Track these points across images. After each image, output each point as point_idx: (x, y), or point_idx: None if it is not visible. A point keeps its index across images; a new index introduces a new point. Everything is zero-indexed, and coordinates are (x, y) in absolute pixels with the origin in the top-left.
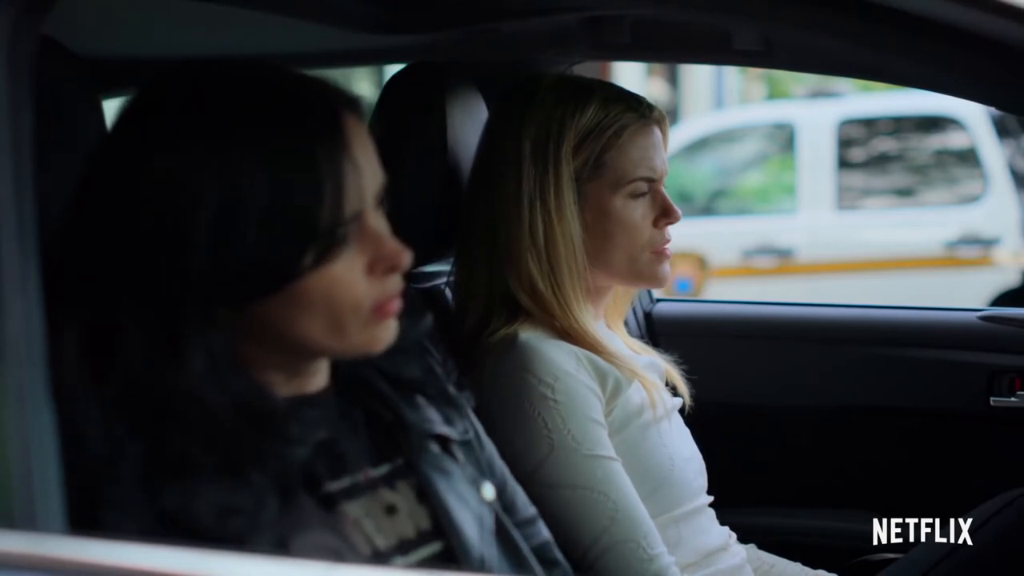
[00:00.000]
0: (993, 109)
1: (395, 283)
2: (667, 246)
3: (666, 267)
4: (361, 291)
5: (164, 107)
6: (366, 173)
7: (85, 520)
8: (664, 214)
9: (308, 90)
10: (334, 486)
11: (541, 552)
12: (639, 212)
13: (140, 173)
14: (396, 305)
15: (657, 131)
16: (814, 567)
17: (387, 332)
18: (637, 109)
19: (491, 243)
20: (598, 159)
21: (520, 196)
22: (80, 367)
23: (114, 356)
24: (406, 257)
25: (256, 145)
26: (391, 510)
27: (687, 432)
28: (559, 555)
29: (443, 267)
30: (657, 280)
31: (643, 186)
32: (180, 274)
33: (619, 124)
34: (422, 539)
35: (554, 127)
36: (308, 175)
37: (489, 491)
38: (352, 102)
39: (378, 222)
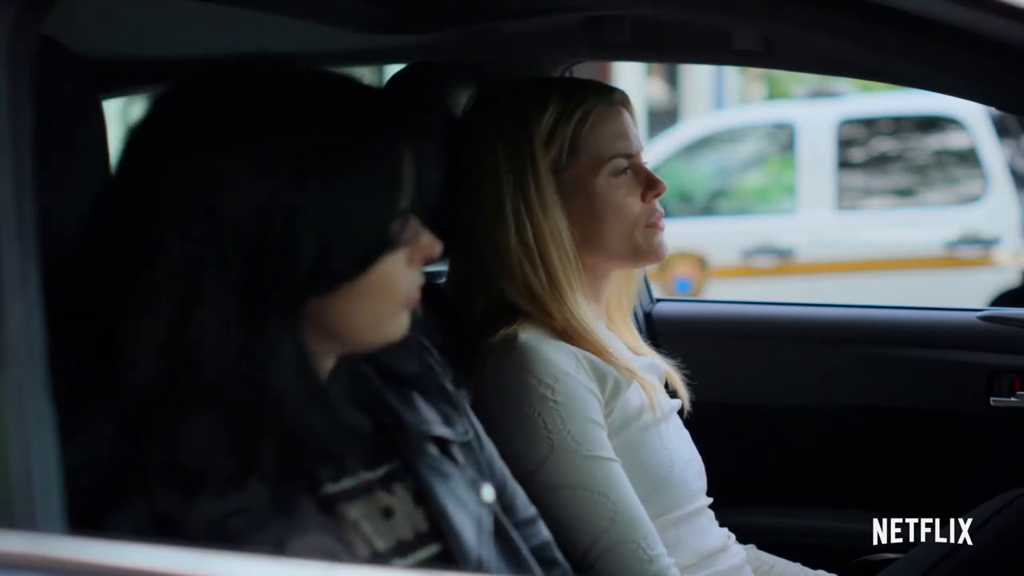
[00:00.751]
0: (993, 109)
1: (421, 274)
2: (660, 218)
3: (662, 238)
4: (408, 282)
5: (230, 106)
6: (411, 170)
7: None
8: (650, 186)
9: (373, 92)
10: (333, 488)
11: (540, 552)
12: (624, 188)
13: (214, 172)
14: (417, 296)
15: (624, 112)
16: (814, 567)
17: (407, 321)
18: (599, 93)
19: (483, 247)
20: (572, 145)
21: (503, 200)
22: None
23: (192, 350)
24: (438, 248)
25: (326, 150)
26: (388, 513)
27: (686, 434)
28: (559, 555)
29: (443, 267)
30: (655, 253)
31: (623, 163)
32: (257, 271)
33: (584, 109)
34: (419, 541)
35: (521, 126)
36: (380, 177)
37: (488, 493)
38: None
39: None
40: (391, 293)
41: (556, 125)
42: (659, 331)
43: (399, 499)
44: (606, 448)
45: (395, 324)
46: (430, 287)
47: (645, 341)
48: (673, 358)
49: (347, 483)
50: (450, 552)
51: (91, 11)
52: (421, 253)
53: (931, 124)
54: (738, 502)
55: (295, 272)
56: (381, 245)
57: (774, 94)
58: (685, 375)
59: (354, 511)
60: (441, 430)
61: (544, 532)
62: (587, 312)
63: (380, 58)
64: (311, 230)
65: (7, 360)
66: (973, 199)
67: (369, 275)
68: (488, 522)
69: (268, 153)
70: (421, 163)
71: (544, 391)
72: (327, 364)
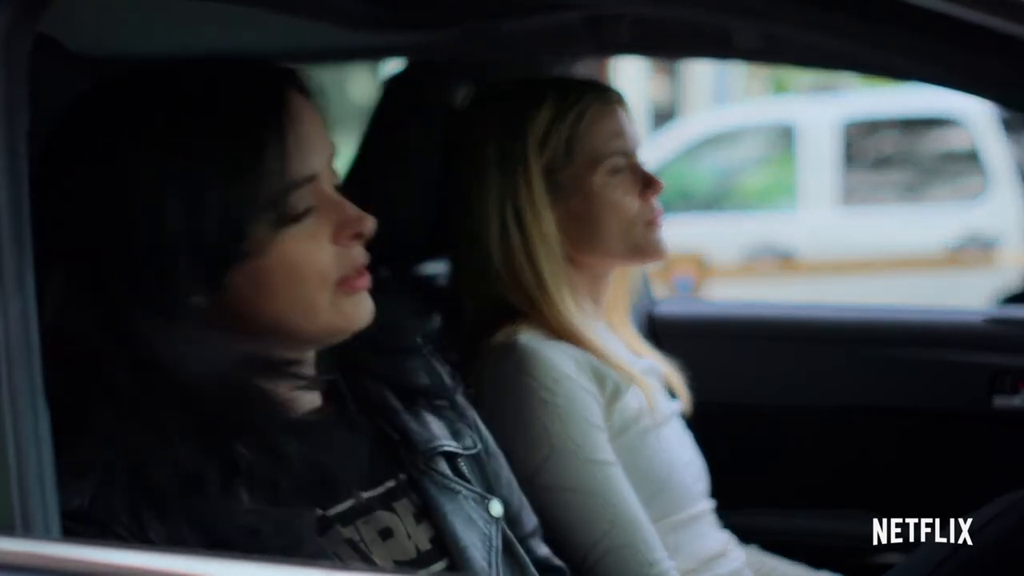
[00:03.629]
0: (999, 108)
1: (360, 253)
2: (658, 216)
3: (661, 236)
4: (327, 260)
5: (114, 111)
6: (313, 142)
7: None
8: (647, 185)
9: (245, 71)
10: (326, 512)
11: (539, 564)
12: (622, 187)
13: (91, 174)
14: (365, 280)
15: (620, 111)
16: (816, 568)
17: (361, 308)
18: (595, 92)
19: (476, 248)
20: (568, 145)
21: (492, 202)
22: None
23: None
24: (369, 223)
25: (198, 128)
26: (387, 533)
27: (687, 437)
28: (558, 562)
29: (443, 267)
30: (655, 251)
31: (620, 161)
32: (144, 261)
33: (579, 108)
34: (422, 560)
35: (515, 128)
36: (248, 145)
37: (496, 508)
38: (294, 78)
39: (334, 191)
40: (305, 272)
41: (552, 125)
42: (660, 332)
43: (400, 517)
44: (606, 451)
45: (338, 310)
46: (429, 295)
47: (646, 342)
48: (674, 359)
49: (340, 506)
50: (456, 570)
51: (89, 10)
52: (348, 228)
53: (935, 123)
54: (740, 503)
55: (181, 256)
56: (251, 220)
57: (778, 90)
58: (686, 376)
59: (348, 533)
60: (449, 444)
61: (542, 547)
62: (576, 312)
63: (379, 56)
64: (177, 220)
65: (3, 362)
66: (977, 199)
67: (274, 252)
68: (497, 540)
69: (142, 148)
70: (394, 169)
71: (544, 394)
72: (303, 367)
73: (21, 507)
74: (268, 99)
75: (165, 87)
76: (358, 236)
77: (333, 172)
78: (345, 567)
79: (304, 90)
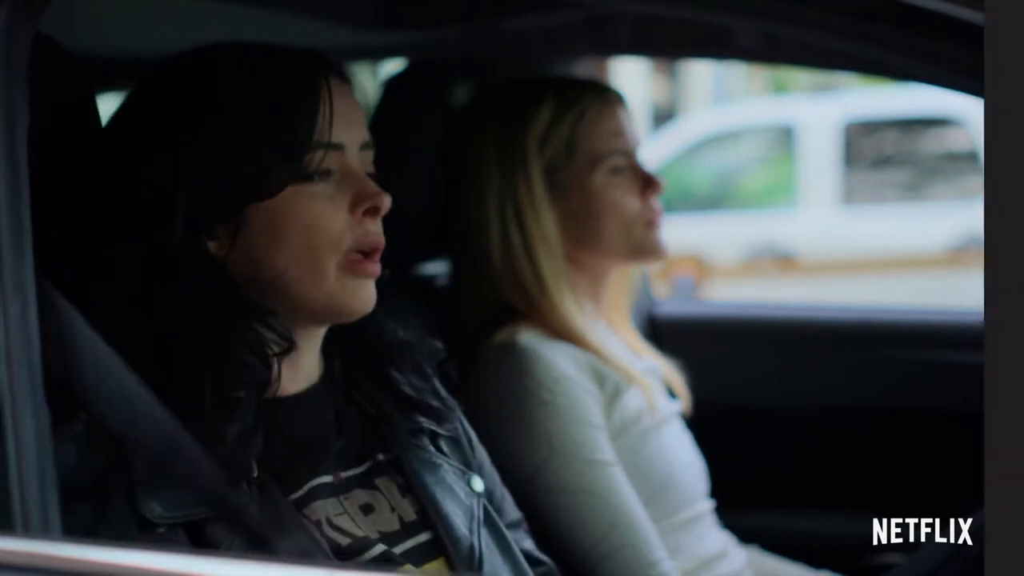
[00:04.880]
0: None
1: (376, 232)
2: (658, 216)
3: (660, 236)
4: (340, 227)
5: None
6: (344, 120)
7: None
8: (647, 184)
9: (293, 51)
10: (305, 488)
11: (524, 557)
12: (622, 187)
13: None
14: (375, 267)
15: (620, 111)
16: (815, 567)
17: (365, 292)
18: (595, 92)
19: (476, 248)
20: (568, 144)
21: (491, 202)
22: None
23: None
24: (386, 200)
25: (249, 85)
26: (368, 508)
27: (687, 438)
28: (542, 556)
29: (443, 267)
30: (655, 251)
31: (620, 161)
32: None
33: (579, 108)
34: (407, 531)
35: (515, 127)
36: (281, 102)
37: (477, 483)
38: (337, 65)
39: (360, 168)
40: (317, 230)
41: (552, 124)
42: (661, 332)
43: (383, 492)
44: (606, 451)
45: (344, 284)
46: (428, 294)
47: (646, 342)
48: (674, 359)
49: (317, 481)
50: (441, 539)
51: (87, 8)
52: (365, 200)
53: (935, 123)
54: (740, 503)
55: (208, 185)
56: (281, 169)
57: (778, 90)
58: (686, 376)
59: (326, 510)
60: (430, 423)
61: (527, 540)
62: (582, 314)
63: (379, 56)
64: (220, 144)
65: (2, 361)
66: (977, 199)
67: (291, 201)
68: (479, 512)
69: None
70: (394, 168)
71: (544, 394)
72: (299, 363)
73: (21, 507)
74: (307, 69)
75: (228, 55)
76: (374, 211)
77: (365, 158)
78: (345, 567)
79: (344, 78)
